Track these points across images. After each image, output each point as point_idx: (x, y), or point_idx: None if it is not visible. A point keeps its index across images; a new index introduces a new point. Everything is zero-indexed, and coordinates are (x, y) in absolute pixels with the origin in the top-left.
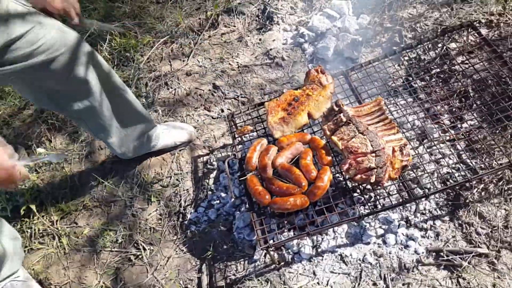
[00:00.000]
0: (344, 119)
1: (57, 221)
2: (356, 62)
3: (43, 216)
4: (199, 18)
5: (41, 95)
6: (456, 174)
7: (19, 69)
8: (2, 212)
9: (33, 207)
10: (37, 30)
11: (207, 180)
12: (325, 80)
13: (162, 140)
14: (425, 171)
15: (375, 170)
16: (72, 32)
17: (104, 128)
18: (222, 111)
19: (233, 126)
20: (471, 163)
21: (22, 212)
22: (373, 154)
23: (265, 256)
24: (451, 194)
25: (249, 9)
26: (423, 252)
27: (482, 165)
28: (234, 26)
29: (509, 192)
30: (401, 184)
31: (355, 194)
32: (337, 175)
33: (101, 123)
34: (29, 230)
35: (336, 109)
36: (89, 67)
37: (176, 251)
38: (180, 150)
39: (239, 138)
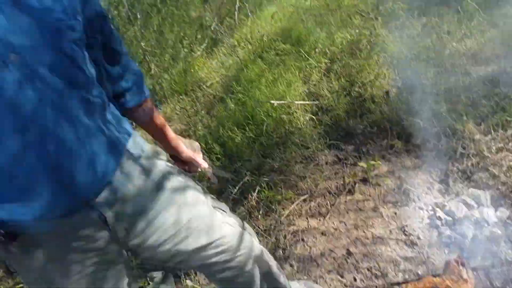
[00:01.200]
0: None
1: None
2: (496, 256)
3: None
4: (337, 182)
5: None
6: None
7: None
8: None
9: None
10: (222, 239)
11: None
12: (465, 274)
13: None
14: None
15: None
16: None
17: None
18: (355, 279)
19: None
20: None
21: None
22: None
23: None
24: None
25: (385, 182)
26: None
27: None
28: (370, 195)
29: None
30: None
31: None
32: None
33: None
34: None
35: None
36: (255, 265)
37: None
38: None
39: None
